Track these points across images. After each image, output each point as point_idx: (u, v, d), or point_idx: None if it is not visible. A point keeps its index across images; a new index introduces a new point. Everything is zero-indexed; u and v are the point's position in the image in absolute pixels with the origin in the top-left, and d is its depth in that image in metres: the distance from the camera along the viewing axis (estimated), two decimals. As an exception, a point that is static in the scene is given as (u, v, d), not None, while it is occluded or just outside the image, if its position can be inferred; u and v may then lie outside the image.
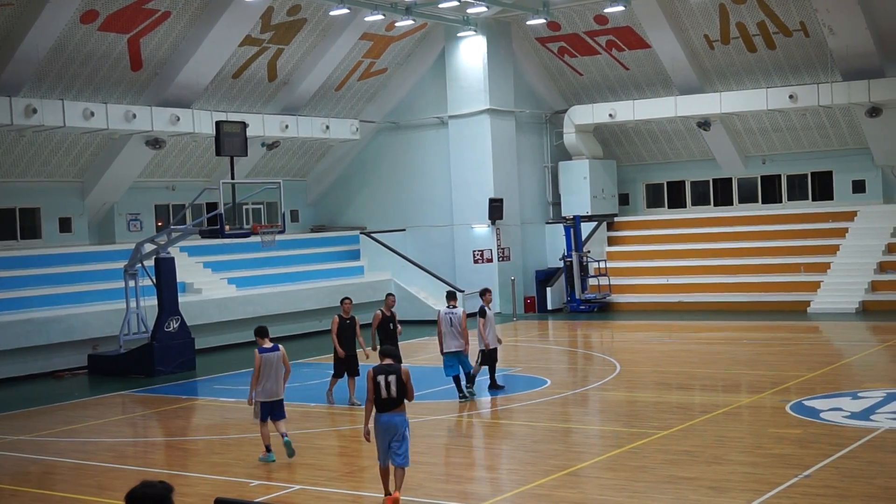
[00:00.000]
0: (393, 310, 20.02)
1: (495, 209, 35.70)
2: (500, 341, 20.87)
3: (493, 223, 36.02)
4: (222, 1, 28.96)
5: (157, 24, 28.77)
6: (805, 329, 29.08)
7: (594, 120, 37.46)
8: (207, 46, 29.59)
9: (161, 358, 25.30)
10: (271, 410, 15.13)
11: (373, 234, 37.05)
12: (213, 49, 29.84)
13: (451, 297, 20.69)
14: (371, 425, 12.52)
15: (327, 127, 35.30)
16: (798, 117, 35.26)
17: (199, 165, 33.87)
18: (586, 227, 36.96)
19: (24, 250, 29.22)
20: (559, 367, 24.73)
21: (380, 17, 31.59)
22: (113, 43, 28.40)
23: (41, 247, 29.90)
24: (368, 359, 19.59)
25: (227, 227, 25.27)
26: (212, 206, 28.52)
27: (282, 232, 27.27)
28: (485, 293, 20.84)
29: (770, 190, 37.39)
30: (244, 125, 26.44)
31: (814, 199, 36.48)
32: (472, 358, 20.29)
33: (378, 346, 18.41)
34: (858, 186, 35.52)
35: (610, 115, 36.90)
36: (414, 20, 32.80)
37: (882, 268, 32.76)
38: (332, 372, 19.82)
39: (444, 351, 19.72)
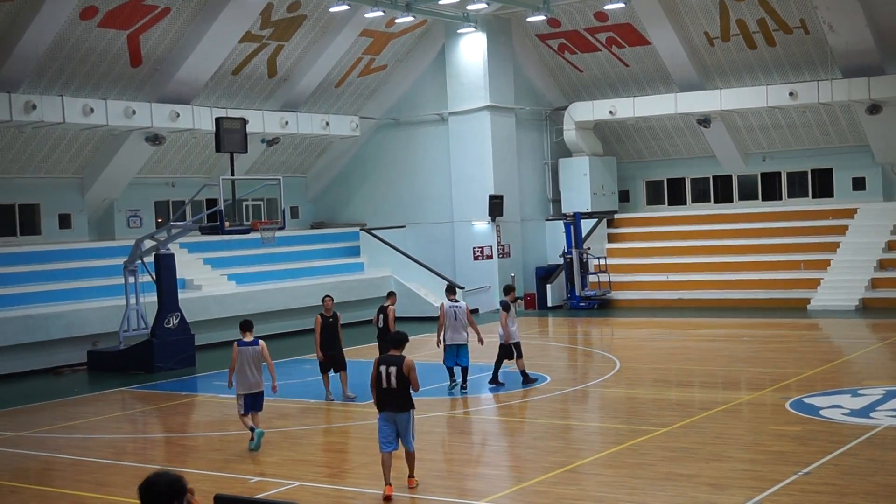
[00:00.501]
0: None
1: (495, 206, 35.69)
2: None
3: (493, 220, 36.02)
4: (222, -3, 28.96)
5: (157, 20, 28.74)
6: (805, 326, 29.08)
7: (594, 117, 37.45)
8: (207, 43, 29.57)
9: (161, 354, 25.29)
10: (253, 403, 15.61)
11: (373, 231, 37.03)
12: (213, 45, 29.81)
13: (451, 290, 21.01)
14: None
15: (327, 123, 35.28)
16: (798, 114, 35.24)
17: (199, 162, 33.85)
18: (586, 224, 36.95)
19: (24, 246, 29.20)
20: (559, 364, 24.72)
21: (380, 13, 31.56)
22: (112, 39, 28.38)
23: (41, 243, 29.89)
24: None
25: (226, 224, 25.24)
26: (212, 203, 28.50)
27: (282, 228, 27.28)
28: (511, 290, 21.02)
29: (770, 187, 37.38)
30: (244, 122, 26.44)
31: (814, 197, 36.47)
32: (475, 354, 20.29)
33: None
34: (858, 184, 35.51)
35: (610, 112, 36.89)
36: (414, 17, 32.77)
37: (882, 265, 32.76)
38: (321, 371, 19.89)
39: (447, 343, 19.92)
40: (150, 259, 26.01)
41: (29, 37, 25.99)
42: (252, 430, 15.62)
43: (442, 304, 20.41)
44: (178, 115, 30.03)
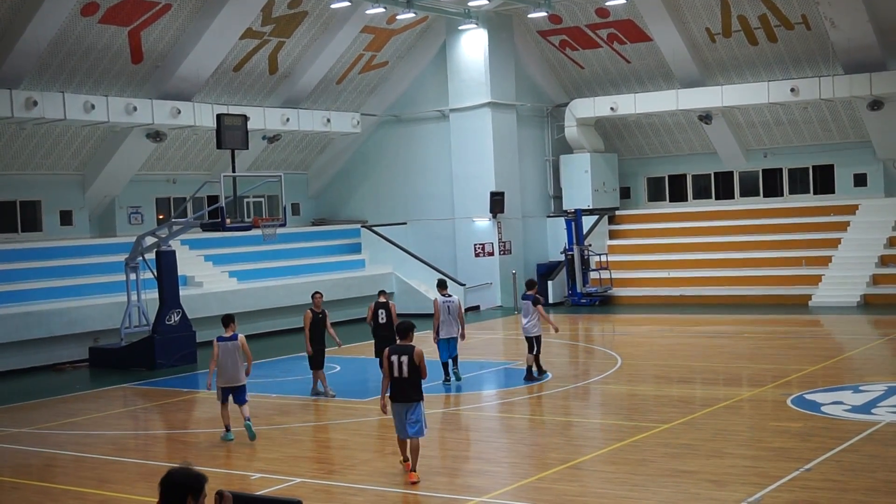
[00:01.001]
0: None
1: (496, 203, 35.67)
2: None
3: (494, 217, 36.00)
4: (223, -6, 28.95)
5: (158, 16, 28.73)
6: (806, 323, 29.07)
7: (595, 113, 37.43)
8: (208, 39, 29.55)
9: (162, 351, 25.30)
10: (232, 394, 16.08)
11: (374, 228, 37.03)
12: (214, 42, 29.80)
13: (443, 285, 21.44)
14: (388, 401, 13.24)
15: (328, 120, 35.27)
16: (799, 111, 35.22)
17: (200, 158, 33.85)
18: (587, 221, 36.94)
19: (25, 243, 29.20)
20: (560, 361, 24.70)
21: (381, 10, 31.54)
22: (113, 35, 28.37)
23: (42, 240, 29.89)
24: (340, 348, 20.54)
25: (228, 221, 25.23)
26: (213, 200, 28.52)
27: (283, 225, 27.25)
28: (534, 284, 21.37)
29: (771, 183, 37.36)
30: (245, 118, 26.40)
31: (815, 193, 36.45)
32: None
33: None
34: (860, 180, 35.49)
35: (611, 109, 36.88)
36: (415, 13, 32.74)
37: (883, 261, 32.74)
38: (310, 367, 20.02)
39: (442, 337, 20.39)
40: (151, 256, 26.02)
41: (30, 33, 25.98)
42: (227, 428, 16.03)
43: (436, 300, 20.83)
44: (180, 112, 30.02)
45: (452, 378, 20.50)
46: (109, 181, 31.09)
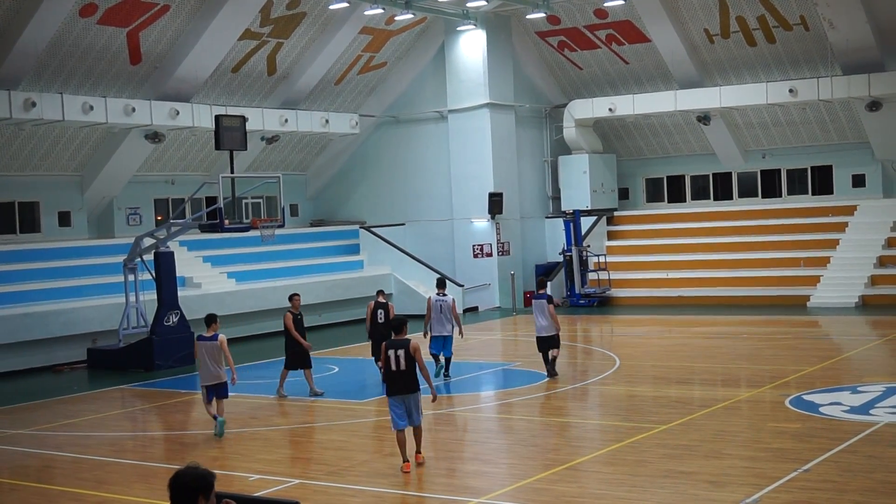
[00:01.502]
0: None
1: (495, 203, 35.67)
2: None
3: (492, 217, 36.00)
4: (221, -6, 28.94)
5: (157, 17, 28.73)
6: (805, 323, 29.08)
7: (594, 114, 37.44)
8: (207, 40, 29.55)
9: (160, 352, 25.28)
10: (215, 392, 16.63)
11: (372, 229, 37.02)
12: (213, 43, 29.80)
13: (440, 284, 21.88)
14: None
15: (327, 121, 35.26)
16: (798, 111, 35.23)
17: (199, 159, 33.84)
18: (586, 222, 36.94)
19: (24, 244, 29.19)
20: (559, 362, 24.64)
21: (379, 10, 31.55)
22: (112, 36, 28.36)
23: (40, 241, 29.88)
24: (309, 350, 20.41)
25: (226, 222, 25.23)
26: (211, 201, 28.51)
27: (281, 226, 27.27)
28: (545, 283, 22.31)
29: (770, 184, 37.37)
30: (243, 119, 26.41)
31: (814, 194, 36.46)
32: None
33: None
34: (858, 181, 35.50)
35: (610, 110, 36.88)
36: (413, 14, 32.75)
37: (882, 262, 32.75)
38: (284, 366, 20.29)
39: (433, 335, 20.97)
40: (149, 257, 26.01)
41: (28, 34, 25.97)
42: (215, 418, 16.46)
43: (429, 298, 21.37)
44: (178, 113, 30.01)
45: (442, 370, 20.98)
46: (108, 182, 31.08)
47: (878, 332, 26.55)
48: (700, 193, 38.76)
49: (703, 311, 31.77)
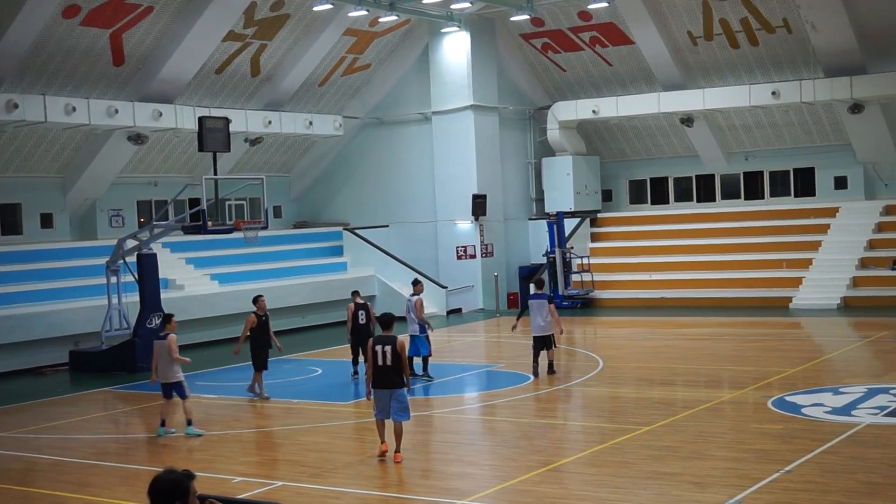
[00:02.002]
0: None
1: (479, 205, 35.69)
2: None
3: (476, 219, 36.02)
4: (205, -4, 28.86)
5: (140, 18, 28.64)
6: (787, 325, 29.20)
7: (577, 116, 37.49)
8: (190, 41, 29.47)
9: (143, 354, 25.04)
10: (177, 392, 17.04)
11: (356, 231, 36.99)
12: (196, 44, 29.72)
13: (415, 283, 22.34)
14: (371, 388, 14.37)
15: (310, 123, 35.21)
16: (781, 114, 35.37)
17: (182, 161, 33.75)
18: (569, 224, 37.00)
19: (5, 246, 29.04)
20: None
21: (363, 12, 31.54)
22: (95, 38, 28.26)
23: (22, 242, 29.74)
24: (281, 352, 20.81)
25: (209, 223, 25.15)
26: (194, 202, 28.41)
27: (264, 228, 27.22)
28: (543, 283, 22.61)
29: (752, 186, 37.51)
30: (227, 121, 26.33)
31: (796, 196, 36.62)
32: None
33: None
34: (840, 183, 35.67)
35: (593, 112, 36.95)
36: (398, 16, 32.75)
37: (863, 264, 32.91)
38: (254, 368, 20.29)
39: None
40: (132, 259, 25.93)
41: (11, 35, 25.86)
42: (163, 421, 16.97)
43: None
44: (161, 115, 29.93)
45: (418, 373, 21.00)
46: (90, 184, 30.96)
47: (860, 334, 26.67)
48: (683, 195, 38.87)
49: (687, 312, 31.85)
